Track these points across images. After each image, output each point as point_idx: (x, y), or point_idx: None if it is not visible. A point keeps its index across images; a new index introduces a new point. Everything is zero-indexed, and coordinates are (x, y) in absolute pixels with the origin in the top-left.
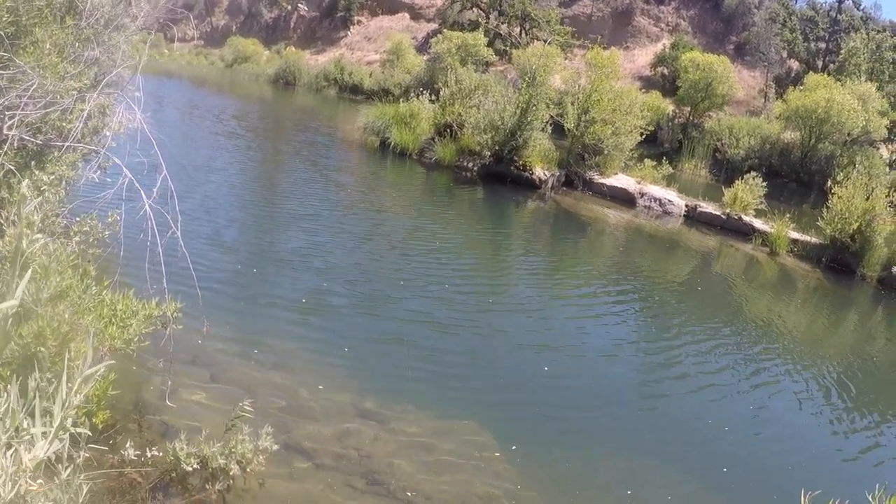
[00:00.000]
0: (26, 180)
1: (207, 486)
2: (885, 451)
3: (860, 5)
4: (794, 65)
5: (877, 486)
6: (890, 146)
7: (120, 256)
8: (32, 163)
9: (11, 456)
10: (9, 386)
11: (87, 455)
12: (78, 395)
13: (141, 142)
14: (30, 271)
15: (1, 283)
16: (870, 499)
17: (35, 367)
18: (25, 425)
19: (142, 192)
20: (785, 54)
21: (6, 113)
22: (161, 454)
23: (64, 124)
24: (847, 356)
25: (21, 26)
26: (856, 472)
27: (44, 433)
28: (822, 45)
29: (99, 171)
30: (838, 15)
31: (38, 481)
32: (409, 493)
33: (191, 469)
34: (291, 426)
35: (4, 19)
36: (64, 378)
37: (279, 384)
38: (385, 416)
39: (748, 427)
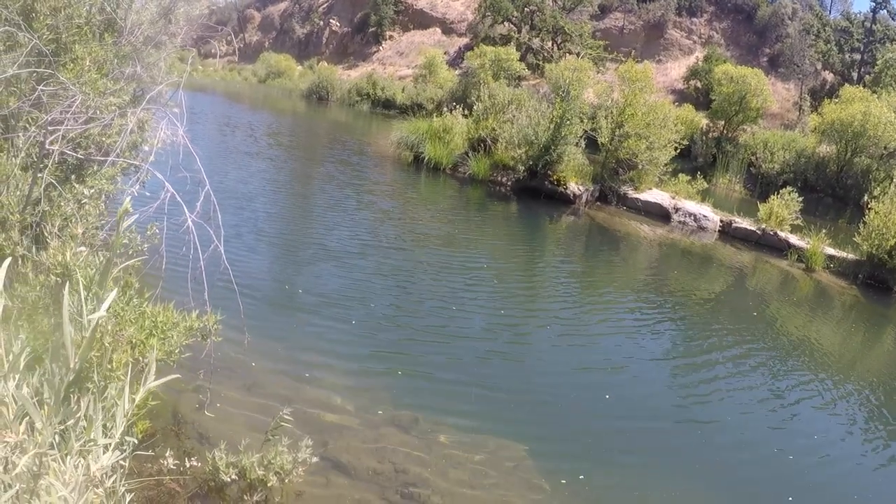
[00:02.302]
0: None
1: (245, 497)
2: None
3: (895, 15)
4: (829, 77)
5: None
6: None
7: (162, 270)
8: (73, 176)
9: (81, 465)
10: (80, 395)
11: (128, 464)
12: (133, 406)
13: (183, 157)
14: (115, 290)
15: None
16: None
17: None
18: (93, 437)
19: (184, 205)
20: (819, 66)
21: (49, 128)
22: (200, 464)
23: (104, 139)
24: (882, 375)
25: (61, 43)
26: (881, 489)
27: (106, 444)
28: (857, 57)
29: (139, 185)
30: (873, 25)
31: (100, 490)
32: None
33: (229, 479)
34: (329, 439)
35: (46, 36)
36: (126, 390)
37: (317, 397)
38: (421, 431)
39: (775, 442)
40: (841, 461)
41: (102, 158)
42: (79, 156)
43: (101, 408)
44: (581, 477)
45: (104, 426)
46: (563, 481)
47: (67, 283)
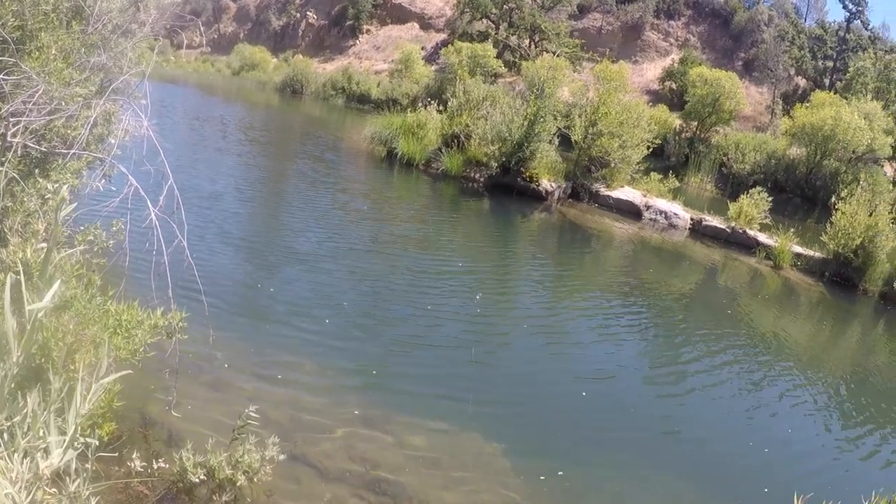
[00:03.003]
0: (65, 185)
1: (214, 498)
2: (883, 459)
3: (868, 25)
4: (802, 82)
5: (873, 492)
6: (894, 164)
7: (125, 266)
8: (36, 170)
9: (29, 463)
10: (27, 392)
11: (94, 467)
12: (89, 405)
13: (147, 150)
14: (58, 282)
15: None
16: None
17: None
18: (41, 434)
19: (148, 201)
20: (793, 71)
21: (10, 119)
22: (167, 465)
23: (69, 131)
24: (848, 368)
25: (27, 31)
26: (849, 477)
27: (58, 442)
28: (830, 64)
29: (104, 180)
30: (846, 34)
31: (52, 490)
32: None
33: (197, 480)
34: (298, 437)
35: (10, 24)
36: (79, 387)
37: (285, 395)
38: (391, 428)
39: (745, 433)
40: (815, 454)
41: (66, 151)
42: (42, 149)
43: (52, 406)
44: (560, 474)
45: (61, 426)
46: (541, 478)
47: (11, 275)
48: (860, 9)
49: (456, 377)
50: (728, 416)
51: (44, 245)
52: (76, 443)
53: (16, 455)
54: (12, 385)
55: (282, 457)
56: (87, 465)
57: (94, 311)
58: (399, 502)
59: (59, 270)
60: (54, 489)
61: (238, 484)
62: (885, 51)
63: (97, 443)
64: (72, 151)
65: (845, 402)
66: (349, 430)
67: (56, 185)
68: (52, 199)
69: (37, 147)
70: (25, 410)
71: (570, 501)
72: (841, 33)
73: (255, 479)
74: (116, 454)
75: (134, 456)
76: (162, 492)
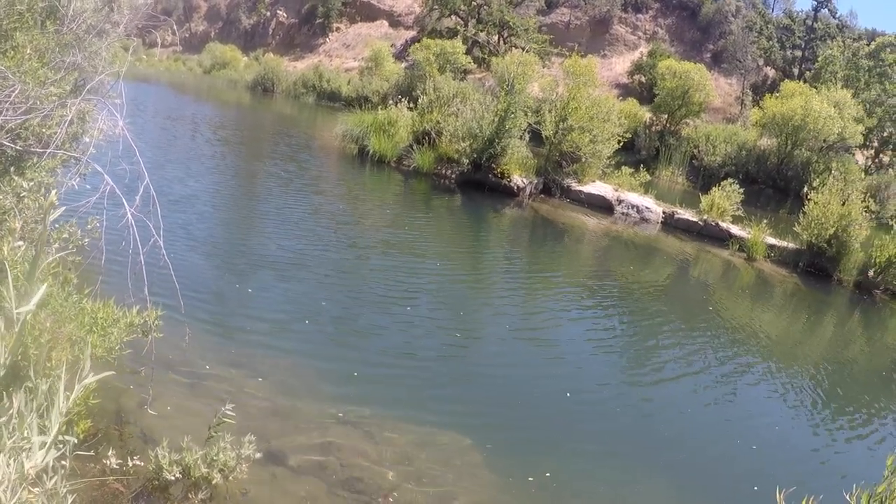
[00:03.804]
0: (53, 190)
1: (190, 496)
2: (864, 450)
3: (836, 13)
4: (771, 72)
5: (854, 485)
6: (865, 152)
7: (101, 264)
8: (11, 168)
9: (14, 463)
10: (12, 392)
11: (70, 465)
12: (68, 403)
13: (123, 149)
14: (45, 285)
15: None
16: (847, 498)
17: (25, 373)
18: (26, 434)
19: (124, 199)
20: (761, 62)
21: None
22: (143, 463)
23: (44, 130)
24: (825, 358)
25: (1, 30)
26: (829, 469)
27: (41, 442)
28: (799, 53)
29: (79, 178)
30: (814, 23)
31: (35, 489)
32: (389, 500)
33: (173, 478)
34: (273, 435)
35: None
36: (62, 386)
37: (261, 393)
38: (366, 425)
39: (726, 428)
40: (795, 447)
41: (42, 150)
42: (18, 147)
43: (35, 405)
44: (537, 472)
45: (42, 425)
46: (517, 476)
47: None
48: None
49: (432, 377)
50: (707, 411)
51: (20, 243)
52: (57, 442)
53: (1, 455)
54: None
55: (257, 455)
56: (63, 463)
57: (70, 309)
58: (374, 500)
59: (31, 266)
60: (36, 488)
61: (213, 482)
62: (853, 38)
63: (75, 441)
64: (48, 150)
65: (824, 393)
66: (325, 429)
67: (32, 183)
68: (28, 198)
69: (12, 146)
70: (11, 411)
71: (549, 500)
72: (809, 22)
73: (230, 478)
74: (92, 452)
75: (109, 453)
76: (137, 489)
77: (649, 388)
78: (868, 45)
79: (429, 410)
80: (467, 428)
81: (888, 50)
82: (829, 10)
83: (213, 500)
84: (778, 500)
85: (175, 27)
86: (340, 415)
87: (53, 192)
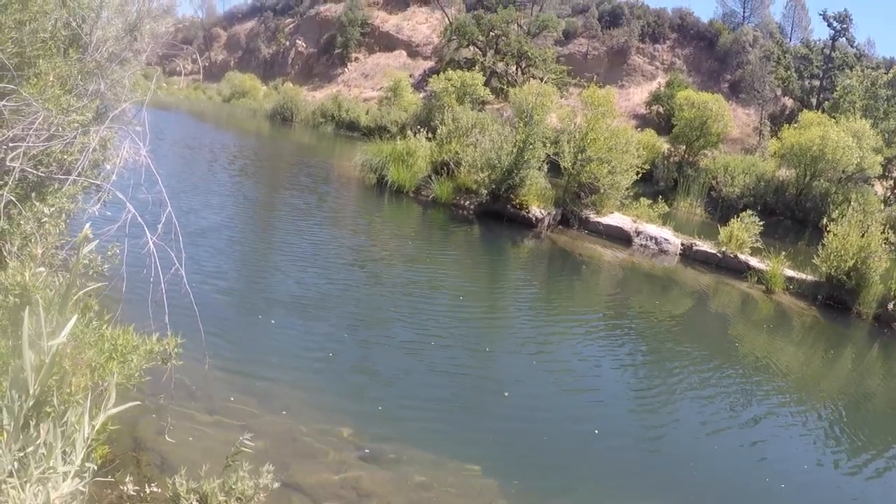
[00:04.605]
0: (88, 224)
1: None
2: (880, 485)
3: (854, 42)
4: (789, 102)
5: None
6: (884, 183)
7: (122, 291)
8: (33, 194)
9: (41, 494)
10: (39, 420)
11: (88, 490)
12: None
13: (145, 177)
14: (75, 316)
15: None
16: None
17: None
18: (52, 464)
19: (145, 227)
20: (779, 92)
21: (9, 144)
22: (160, 490)
23: (66, 157)
24: (845, 393)
25: (25, 58)
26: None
27: (66, 472)
28: (817, 83)
29: (100, 205)
30: (832, 52)
31: None
32: None
33: None
34: (291, 464)
35: (9, 50)
36: (87, 416)
37: (279, 422)
38: (384, 456)
39: (743, 463)
40: (811, 480)
41: (64, 177)
42: (40, 174)
43: (61, 433)
44: (542, 500)
45: (63, 452)
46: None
47: (28, 308)
48: (844, 26)
49: (446, 406)
50: (721, 442)
51: (42, 269)
52: (83, 471)
53: (28, 486)
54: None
55: (276, 485)
56: (83, 489)
57: (90, 336)
58: None
59: (58, 294)
60: None
61: None
62: (872, 67)
63: (95, 467)
64: (71, 177)
65: (841, 427)
66: (344, 461)
67: (53, 209)
68: (49, 223)
69: (34, 172)
70: (38, 441)
71: None
72: (826, 51)
73: None
74: (110, 478)
75: (127, 480)
76: None
77: (664, 422)
78: (886, 73)
79: (451, 446)
80: (486, 459)
81: None
82: (846, 38)
83: None
84: None
85: (196, 55)
86: (360, 448)
87: (87, 225)
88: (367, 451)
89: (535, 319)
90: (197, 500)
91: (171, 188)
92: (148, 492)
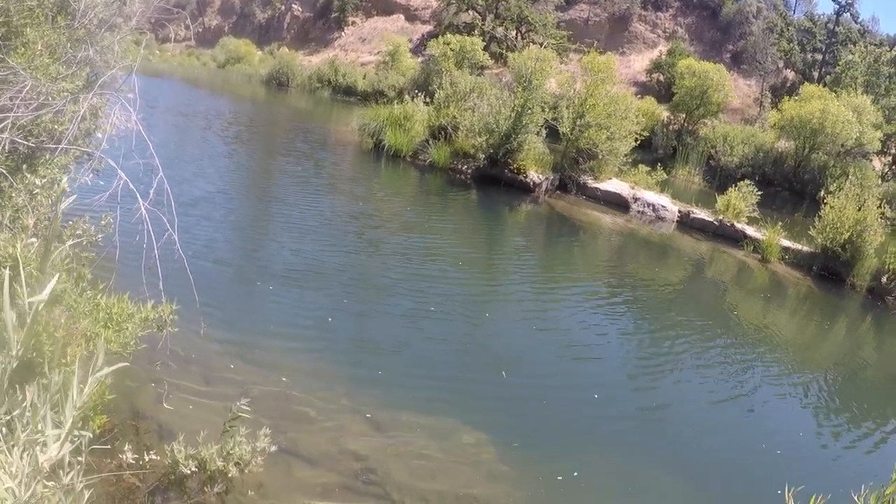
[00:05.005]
0: (64, 177)
1: (206, 489)
2: (872, 452)
3: (858, 18)
4: (790, 75)
5: (863, 485)
6: (883, 158)
7: (115, 260)
8: (24, 166)
9: (28, 457)
10: (26, 386)
11: (86, 459)
12: (84, 398)
13: (136, 143)
14: (57, 275)
15: None
16: (856, 499)
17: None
18: (40, 428)
19: (137, 194)
20: (781, 64)
21: None
22: (159, 457)
23: (56, 126)
24: (838, 363)
25: (12, 27)
26: (838, 470)
27: (55, 435)
28: (819, 57)
29: (92, 174)
30: (836, 27)
31: (50, 483)
32: (405, 496)
33: (189, 472)
34: (288, 428)
35: None
36: (75, 381)
37: (276, 387)
38: (381, 419)
39: (739, 430)
40: (805, 447)
41: (54, 146)
42: (30, 144)
43: (49, 399)
44: (551, 468)
45: (56, 420)
46: (532, 472)
47: (8, 269)
48: (849, 2)
49: (444, 369)
50: (718, 410)
51: (34, 240)
52: (72, 436)
53: (15, 449)
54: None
55: (273, 448)
56: (80, 458)
57: (84, 305)
58: (389, 493)
59: (52, 265)
60: (51, 482)
61: (229, 475)
62: (875, 44)
63: (90, 435)
64: (60, 146)
65: (835, 396)
66: (342, 425)
67: (44, 180)
68: (41, 195)
69: (24, 142)
70: (25, 404)
71: (562, 495)
72: (830, 26)
73: (245, 471)
74: (108, 446)
75: (126, 448)
76: (153, 484)
77: (659, 387)
78: (889, 51)
79: (441, 404)
80: (483, 424)
81: None
82: (851, 14)
83: (229, 494)
84: (786, 498)
85: (189, 21)
86: (357, 411)
87: (64, 178)
88: (368, 415)
89: (533, 285)
90: (195, 466)
91: (163, 157)
92: (147, 459)
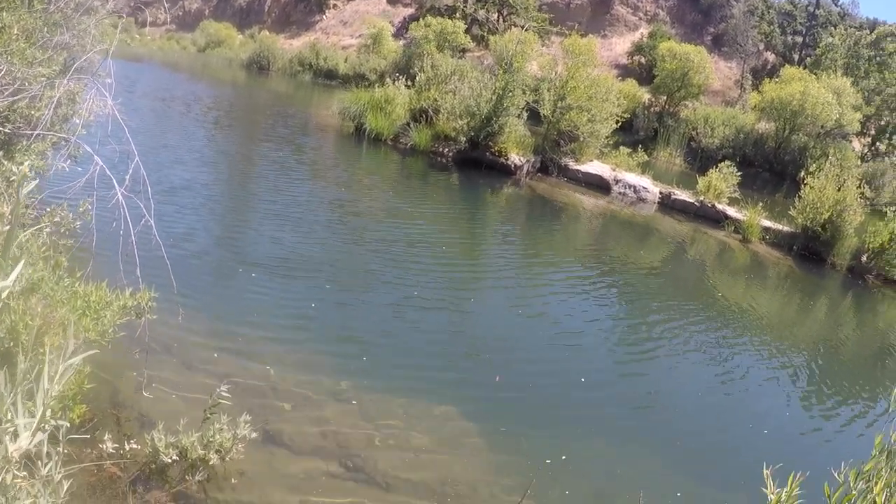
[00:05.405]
0: (26, 161)
1: (187, 478)
2: (852, 430)
3: (838, 1)
4: (771, 57)
5: (842, 463)
6: (862, 139)
7: (92, 246)
8: (0, 153)
9: None
10: None
11: (66, 450)
12: (57, 386)
13: (112, 129)
14: (23, 261)
15: None
16: (836, 475)
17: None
18: (9, 417)
19: (114, 180)
20: (762, 47)
21: None
22: (139, 447)
23: (33, 112)
24: (818, 341)
25: None
26: (819, 448)
27: (27, 425)
28: (799, 39)
29: (69, 160)
30: (816, 10)
31: (23, 474)
32: (388, 479)
33: (170, 461)
34: (269, 414)
35: None
36: (46, 368)
37: (256, 372)
38: (362, 403)
39: (720, 409)
40: (785, 426)
41: (31, 132)
42: (6, 130)
43: (17, 387)
44: (522, 443)
45: (30, 409)
46: (513, 453)
47: None
48: None
49: (424, 352)
50: (699, 390)
51: (8, 227)
52: (45, 425)
53: None
54: None
55: (254, 435)
56: (58, 448)
57: (61, 293)
58: (374, 479)
59: (26, 252)
60: (25, 473)
61: (210, 463)
62: (855, 27)
63: (68, 425)
64: (36, 132)
65: (815, 375)
66: (323, 411)
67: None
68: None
69: (0, 129)
70: None
71: (550, 479)
72: (810, 9)
73: (227, 458)
74: (88, 436)
75: (106, 438)
76: (135, 473)
77: (641, 366)
78: (869, 34)
79: (422, 386)
80: (461, 403)
81: (888, 40)
82: None
83: (211, 482)
84: (765, 475)
85: (166, 5)
86: (342, 398)
87: (26, 162)
88: (346, 400)
89: (517, 270)
90: (177, 455)
91: (141, 143)
92: (127, 449)
